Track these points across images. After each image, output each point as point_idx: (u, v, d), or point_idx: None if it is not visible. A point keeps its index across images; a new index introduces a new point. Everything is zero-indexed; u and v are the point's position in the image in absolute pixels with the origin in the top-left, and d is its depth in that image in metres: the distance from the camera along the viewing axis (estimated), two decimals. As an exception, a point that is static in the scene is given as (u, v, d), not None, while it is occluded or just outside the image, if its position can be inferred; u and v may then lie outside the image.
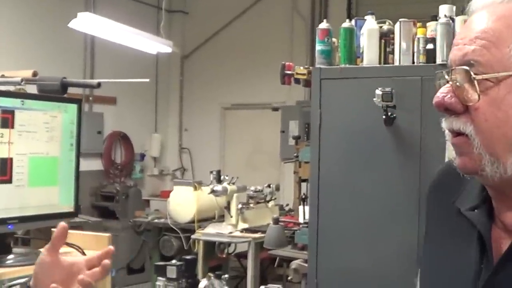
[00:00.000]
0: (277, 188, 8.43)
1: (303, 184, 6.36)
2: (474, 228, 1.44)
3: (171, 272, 3.79)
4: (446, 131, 1.41)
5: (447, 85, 1.37)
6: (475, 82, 1.31)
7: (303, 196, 6.06)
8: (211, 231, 7.71)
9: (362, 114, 4.32)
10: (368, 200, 4.35)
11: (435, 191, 1.65)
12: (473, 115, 1.32)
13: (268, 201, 8.10)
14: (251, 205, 7.85)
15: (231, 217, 7.68)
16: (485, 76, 1.30)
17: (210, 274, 3.69)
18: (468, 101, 1.33)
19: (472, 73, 1.31)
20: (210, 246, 7.67)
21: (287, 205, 8.73)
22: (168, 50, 8.58)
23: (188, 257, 4.03)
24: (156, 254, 8.87)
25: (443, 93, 1.36)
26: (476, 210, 1.46)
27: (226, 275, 3.74)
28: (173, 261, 3.95)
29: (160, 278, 3.83)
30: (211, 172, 7.94)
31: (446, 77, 1.37)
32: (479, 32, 1.33)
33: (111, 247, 1.68)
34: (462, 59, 1.34)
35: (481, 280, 1.38)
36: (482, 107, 1.31)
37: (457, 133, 1.37)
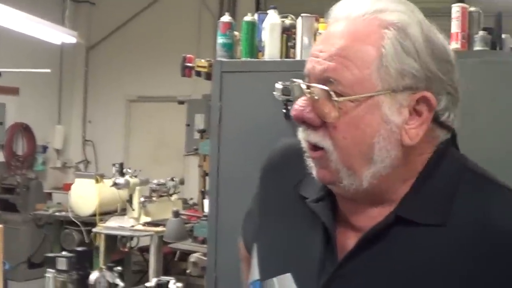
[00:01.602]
0: (181, 182, 8.41)
1: (208, 178, 6.35)
2: (318, 219, 1.47)
3: (62, 264, 3.72)
4: (303, 142, 1.43)
5: (305, 97, 1.38)
6: (335, 103, 1.33)
7: (203, 190, 6.05)
8: (113, 224, 7.64)
9: (263, 107, 4.32)
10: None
11: (273, 172, 1.67)
12: (331, 132, 1.35)
13: (171, 195, 8.07)
14: (154, 198, 7.80)
15: (133, 210, 7.62)
16: (345, 98, 1.32)
17: (102, 267, 3.64)
18: (327, 118, 1.35)
19: (332, 94, 1.33)
20: (112, 240, 7.58)
21: (191, 199, 8.71)
22: (73, 40, 8.46)
23: (79, 249, 3.97)
24: (57, 247, 8.69)
25: (301, 106, 1.37)
26: (320, 202, 1.49)
27: (119, 267, 3.69)
28: (64, 253, 3.88)
29: (49, 270, 3.76)
30: (114, 164, 7.86)
31: (303, 87, 1.38)
32: (340, 49, 1.34)
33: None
34: (322, 74, 1.35)
35: (325, 273, 1.41)
36: (341, 125, 1.34)
37: (314, 146, 1.39)
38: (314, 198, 1.50)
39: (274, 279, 1.49)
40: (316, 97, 1.35)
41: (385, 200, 1.41)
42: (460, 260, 1.32)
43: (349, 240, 1.43)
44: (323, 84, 1.34)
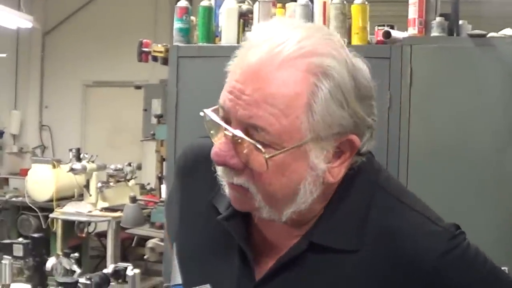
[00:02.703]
0: (139, 167, 8.38)
1: (165, 163, 6.33)
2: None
3: (18, 250, 3.69)
4: (222, 179, 1.39)
5: (225, 138, 1.32)
6: (264, 158, 1.28)
7: (160, 175, 6.04)
8: (70, 210, 7.60)
9: (220, 93, 4.32)
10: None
11: (189, 176, 1.62)
12: (256, 177, 1.32)
13: (128, 180, 8.04)
14: (111, 183, 7.78)
15: (90, 195, 7.59)
16: (275, 153, 1.28)
17: (59, 253, 3.63)
18: (253, 166, 1.31)
19: (261, 148, 1.27)
20: (69, 225, 7.55)
21: (148, 184, 8.68)
22: (29, 25, 8.37)
23: (35, 235, 3.94)
24: (14, 233, 8.62)
25: (224, 151, 1.32)
26: (231, 221, 1.44)
27: (76, 254, 3.68)
28: (20, 239, 3.85)
29: (6, 256, 3.73)
30: (71, 150, 7.80)
31: (225, 131, 1.32)
32: (267, 96, 1.27)
33: None
34: (246, 120, 1.28)
35: None
36: (267, 172, 1.30)
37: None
38: (225, 215, 1.45)
39: None
40: (239, 141, 1.30)
41: (304, 222, 1.40)
42: (373, 286, 1.35)
43: (266, 259, 1.42)
44: (246, 129, 1.29)
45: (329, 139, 1.31)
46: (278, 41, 1.29)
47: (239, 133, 1.29)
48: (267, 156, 1.27)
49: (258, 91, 1.27)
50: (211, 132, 1.37)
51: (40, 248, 3.85)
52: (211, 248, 1.50)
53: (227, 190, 1.40)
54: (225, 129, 1.31)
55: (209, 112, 1.36)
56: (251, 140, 1.28)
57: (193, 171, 1.60)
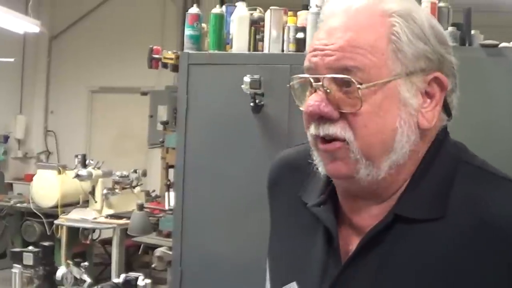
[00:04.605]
0: (144, 174, 8.35)
1: (171, 170, 6.30)
2: (320, 222, 1.46)
3: (28, 259, 3.67)
4: (313, 137, 1.40)
5: (318, 93, 1.35)
6: (358, 91, 1.31)
7: (168, 183, 6.01)
8: (75, 216, 7.56)
9: (230, 101, 4.30)
10: (234, 188, 4.33)
11: (275, 185, 1.67)
12: (352, 121, 1.33)
13: (134, 187, 8.01)
14: (117, 190, 7.75)
15: (96, 202, 7.55)
16: (369, 85, 1.31)
17: (69, 262, 3.60)
18: (347, 108, 1.33)
19: (354, 81, 1.31)
20: (74, 232, 7.51)
21: (154, 191, 8.64)
22: (36, 30, 8.35)
23: (46, 243, 3.91)
24: (18, 239, 8.59)
25: (317, 101, 1.34)
26: (322, 206, 1.47)
27: (86, 263, 3.65)
28: (30, 248, 3.83)
29: (16, 265, 3.70)
30: (76, 156, 7.77)
31: (315, 84, 1.35)
32: (350, 40, 1.33)
33: None
34: (335, 64, 1.33)
35: (329, 276, 1.41)
36: (362, 113, 1.32)
37: (329, 139, 1.36)
38: (316, 203, 1.48)
39: None
40: (328, 90, 1.34)
41: (387, 196, 1.41)
42: (459, 253, 1.32)
43: (351, 242, 1.43)
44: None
45: (417, 74, 1.35)
46: (354, 1, 1.38)
47: (334, 76, 1.33)
48: (362, 87, 1.31)
49: (341, 38, 1.33)
50: (300, 99, 1.41)
51: (50, 257, 3.82)
52: (298, 245, 1.52)
53: (322, 157, 1.40)
54: (315, 81, 1.35)
55: (295, 78, 1.41)
56: (345, 76, 1.31)
57: (278, 180, 1.66)
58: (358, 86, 1.30)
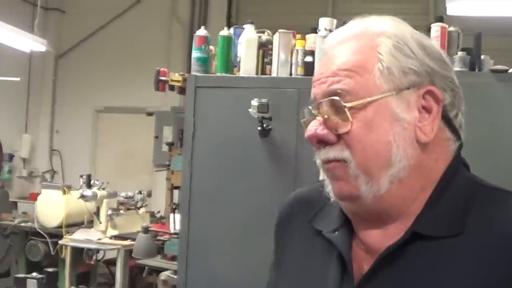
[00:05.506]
0: (149, 195, 8.31)
1: (176, 191, 6.28)
2: (334, 249, 1.49)
3: (32, 285, 3.63)
4: (319, 162, 1.46)
5: (317, 119, 1.43)
6: (346, 110, 1.37)
7: (174, 206, 5.98)
8: (80, 237, 7.51)
9: (237, 124, 4.26)
10: (241, 211, 4.30)
11: (285, 221, 1.70)
12: (347, 140, 1.39)
13: (139, 208, 7.96)
14: (121, 211, 7.70)
15: (100, 223, 7.50)
16: (353, 103, 1.37)
17: (73, 288, 3.57)
18: (341, 129, 1.39)
19: (340, 101, 1.38)
20: (78, 252, 7.45)
21: (159, 212, 8.61)
22: (42, 48, 8.35)
23: (50, 269, 3.88)
24: (22, 259, 8.54)
25: (314, 126, 1.42)
26: (336, 232, 1.51)
27: (90, 289, 3.62)
28: (34, 274, 3.79)
29: (20, 292, 3.68)
30: (81, 176, 7.74)
31: (313, 112, 1.44)
32: (340, 65, 1.41)
33: None
34: (327, 90, 1.41)
35: None
36: (354, 130, 1.38)
37: (332, 161, 1.43)
38: (331, 230, 1.52)
39: None
40: (325, 116, 1.41)
41: (402, 215, 1.43)
42: (480, 266, 1.33)
43: (366, 264, 1.44)
44: (329, 101, 1.40)
45: (406, 90, 1.39)
46: (346, 31, 1.48)
47: (322, 100, 1.41)
48: (347, 105, 1.37)
49: (332, 64, 1.42)
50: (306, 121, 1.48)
51: (54, 283, 3.78)
52: (311, 273, 1.54)
53: (328, 179, 1.46)
54: (314, 110, 1.44)
55: (302, 111, 1.50)
56: (331, 97, 1.39)
57: (289, 215, 1.69)
58: (344, 105, 1.37)
